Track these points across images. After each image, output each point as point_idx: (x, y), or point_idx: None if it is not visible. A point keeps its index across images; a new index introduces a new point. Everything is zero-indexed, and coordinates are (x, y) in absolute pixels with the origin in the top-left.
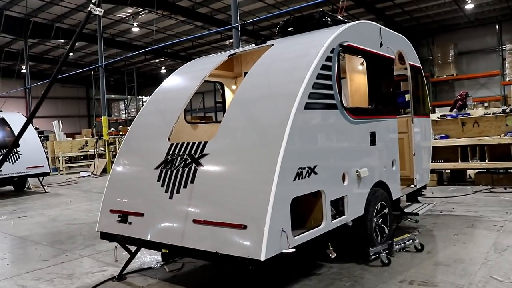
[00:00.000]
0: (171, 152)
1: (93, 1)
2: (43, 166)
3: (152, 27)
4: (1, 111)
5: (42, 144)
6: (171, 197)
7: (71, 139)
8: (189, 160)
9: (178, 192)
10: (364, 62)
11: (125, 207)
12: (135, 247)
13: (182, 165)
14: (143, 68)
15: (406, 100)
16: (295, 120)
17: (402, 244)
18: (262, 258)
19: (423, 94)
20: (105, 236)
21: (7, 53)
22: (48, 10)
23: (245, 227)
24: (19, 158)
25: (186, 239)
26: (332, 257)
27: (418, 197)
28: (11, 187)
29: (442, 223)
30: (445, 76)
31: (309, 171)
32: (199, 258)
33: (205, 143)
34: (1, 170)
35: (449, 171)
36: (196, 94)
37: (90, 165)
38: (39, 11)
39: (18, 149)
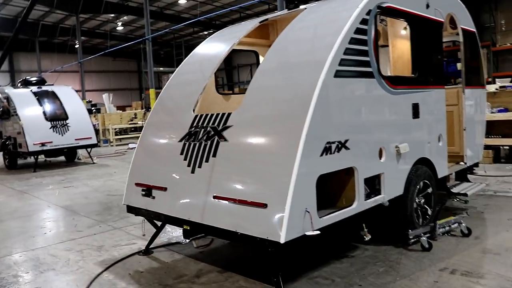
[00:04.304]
0: (195, 124)
1: None
2: (91, 138)
3: None
4: (52, 84)
5: (93, 116)
6: (193, 172)
7: (121, 111)
8: (212, 133)
9: (200, 166)
10: (408, 26)
11: (149, 180)
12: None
13: (205, 137)
14: (192, 41)
15: (458, 69)
16: (323, 89)
17: (447, 227)
18: (282, 241)
19: (478, 63)
20: (131, 209)
21: (61, 29)
22: None
23: (265, 205)
24: (68, 130)
25: (206, 216)
26: (367, 239)
27: (468, 176)
28: (63, 158)
29: (496, 205)
30: (509, 44)
31: (339, 146)
32: (218, 237)
33: (229, 114)
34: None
35: (507, 147)
36: (244, 66)
37: (139, 136)
38: None
39: (67, 121)
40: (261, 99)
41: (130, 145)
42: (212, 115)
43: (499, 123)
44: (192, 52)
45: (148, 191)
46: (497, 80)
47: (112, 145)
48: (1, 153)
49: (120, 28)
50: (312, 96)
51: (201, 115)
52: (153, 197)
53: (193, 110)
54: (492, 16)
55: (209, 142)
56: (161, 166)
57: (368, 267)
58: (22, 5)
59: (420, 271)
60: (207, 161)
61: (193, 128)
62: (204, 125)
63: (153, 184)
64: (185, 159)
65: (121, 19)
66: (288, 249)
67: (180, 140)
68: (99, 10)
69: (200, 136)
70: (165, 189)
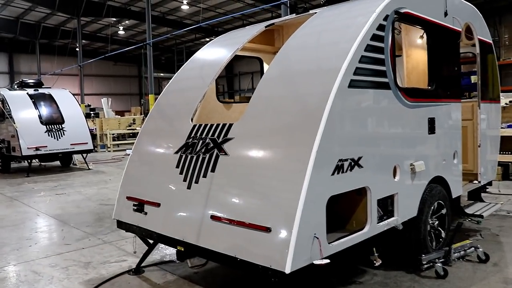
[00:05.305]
0: (192, 135)
1: None
2: (87, 143)
3: (201, 5)
4: (49, 87)
5: (91, 120)
6: (189, 187)
7: (119, 116)
8: (211, 145)
9: (197, 181)
10: (425, 35)
11: (141, 195)
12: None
13: (203, 150)
14: (193, 47)
15: (472, 82)
16: (337, 100)
17: (462, 252)
18: (287, 270)
19: (493, 75)
20: (121, 225)
21: (62, 32)
22: None
23: (269, 230)
24: (63, 134)
25: (202, 238)
26: (377, 264)
27: (481, 195)
28: (58, 163)
29: (511, 227)
30: None
31: (352, 163)
32: (215, 261)
33: (230, 125)
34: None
35: None
36: (246, 74)
37: None
38: None
39: (63, 126)
40: (266, 110)
41: (128, 151)
42: (211, 125)
43: (508, 138)
44: (193, 56)
45: (140, 206)
46: (500, 94)
47: (109, 151)
48: None
49: (121, 32)
50: (324, 107)
51: (200, 125)
52: (145, 213)
53: (192, 119)
54: (496, 31)
55: (207, 155)
56: (154, 180)
57: None
58: (24, 7)
59: None
60: (205, 176)
61: (190, 139)
62: (203, 136)
63: (146, 199)
64: (181, 173)
65: (123, 23)
66: (293, 279)
67: (176, 152)
68: (101, 14)
69: (198, 148)
70: (158, 205)
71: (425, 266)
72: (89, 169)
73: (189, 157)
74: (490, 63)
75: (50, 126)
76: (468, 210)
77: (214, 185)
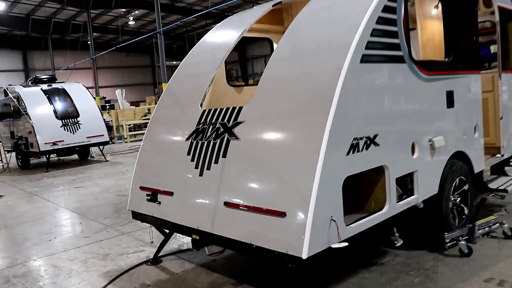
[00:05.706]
0: (202, 121)
1: None
2: (103, 135)
3: None
4: (62, 82)
5: (106, 112)
6: (201, 174)
7: (134, 107)
8: (222, 130)
9: (209, 168)
10: (440, 4)
11: (154, 184)
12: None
13: (214, 135)
14: (204, 33)
15: (492, 52)
16: (348, 77)
17: (486, 228)
18: (304, 256)
19: None
20: (136, 216)
21: (73, 26)
22: None
23: (284, 214)
24: (79, 128)
25: (217, 225)
26: (398, 244)
27: (505, 168)
28: (76, 156)
29: None
30: None
31: (368, 142)
32: (231, 249)
33: (240, 108)
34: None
35: None
36: (258, 57)
37: None
38: None
39: (78, 119)
40: (276, 91)
41: None
42: (221, 109)
43: None
44: (200, 40)
45: (153, 195)
46: None
47: (126, 142)
48: (14, 153)
49: (132, 23)
50: (336, 85)
51: (210, 110)
52: (159, 203)
53: (201, 105)
54: None
55: (218, 141)
56: (166, 168)
57: (401, 277)
58: (34, 3)
59: (462, 283)
60: (216, 162)
61: (200, 125)
62: (213, 121)
63: (159, 188)
64: (192, 160)
65: (133, 13)
66: (311, 264)
67: (187, 139)
68: (110, 5)
69: (209, 133)
70: (171, 193)
71: (449, 244)
72: (106, 161)
73: (200, 143)
74: (511, 31)
75: (65, 121)
76: (492, 185)
77: (226, 170)
